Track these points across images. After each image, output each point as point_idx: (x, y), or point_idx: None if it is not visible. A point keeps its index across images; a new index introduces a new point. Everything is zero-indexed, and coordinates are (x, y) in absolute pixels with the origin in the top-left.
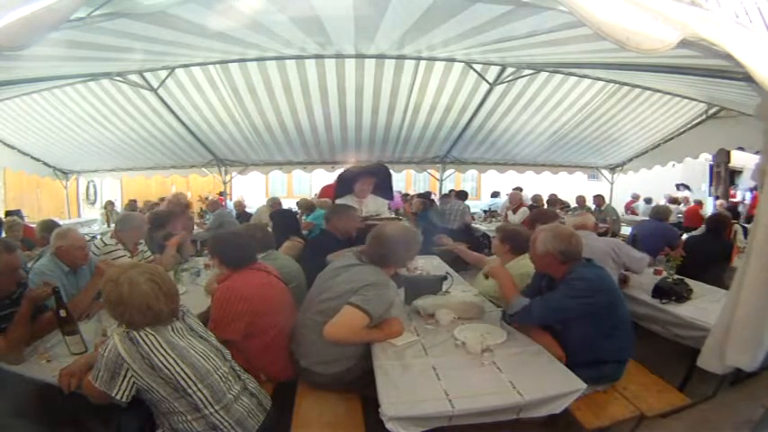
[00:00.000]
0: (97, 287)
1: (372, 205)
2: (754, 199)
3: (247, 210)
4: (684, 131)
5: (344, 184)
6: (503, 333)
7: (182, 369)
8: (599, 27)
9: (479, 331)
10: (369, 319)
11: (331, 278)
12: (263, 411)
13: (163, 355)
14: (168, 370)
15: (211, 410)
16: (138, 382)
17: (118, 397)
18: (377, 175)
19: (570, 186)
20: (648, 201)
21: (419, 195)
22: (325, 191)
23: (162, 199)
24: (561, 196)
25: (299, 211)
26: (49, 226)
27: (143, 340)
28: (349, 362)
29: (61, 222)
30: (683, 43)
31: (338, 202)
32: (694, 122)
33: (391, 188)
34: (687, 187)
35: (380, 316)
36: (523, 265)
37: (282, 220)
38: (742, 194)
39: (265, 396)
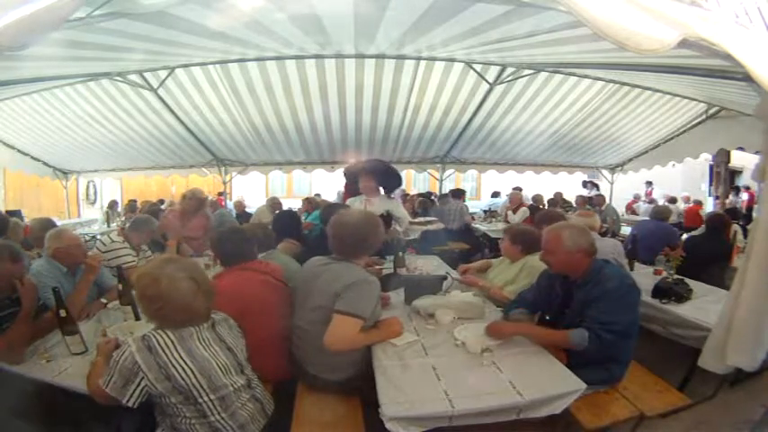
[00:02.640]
0: (90, 283)
1: (380, 204)
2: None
3: (247, 210)
4: (684, 131)
5: (351, 184)
6: None
7: (197, 381)
8: (599, 27)
9: (479, 331)
10: (362, 321)
11: (312, 280)
12: (264, 416)
13: (181, 366)
14: (184, 380)
15: (217, 417)
16: (151, 390)
17: (129, 404)
18: (373, 173)
19: (570, 186)
20: (651, 201)
21: (419, 195)
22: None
23: (161, 200)
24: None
25: (300, 210)
26: (46, 225)
27: (162, 349)
28: (355, 366)
29: (60, 222)
30: (683, 43)
31: (348, 202)
32: (694, 122)
33: (396, 177)
34: (595, 186)
35: (373, 313)
36: (537, 260)
37: (283, 221)
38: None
39: (269, 401)
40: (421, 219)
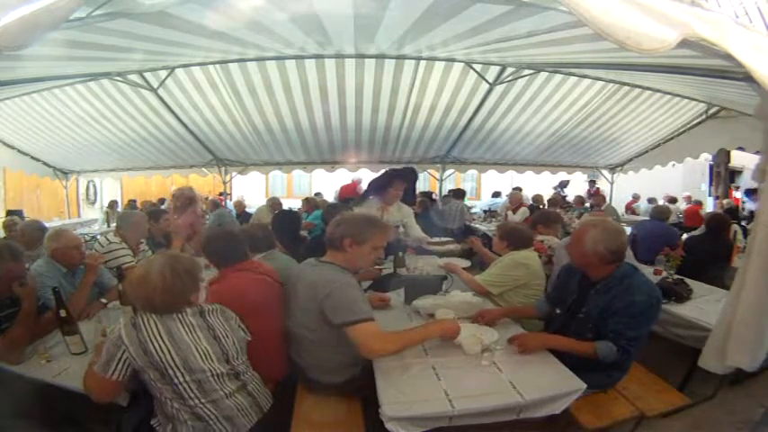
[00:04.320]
0: (91, 284)
1: (397, 214)
2: None
3: (247, 210)
4: (684, 131)
5: (374, 189)
6: (494, 332)
7: (172, 359)
8: (599, 26)
9: (471, 331)
10: (373, 321)
11: (298, 282)
12: (258, 411)
13: (158, 343)
14: (159, 356)
15: (196, 402)
16: (133, 364)
17: (113, 378)
18: (408, 183)
19: (570, 186)
20: (652, 201)
21: (420, 194)
22: (344, 190)
23: (161, 200)
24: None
25: (300, 209)
26: (37, 228)
27: (144, 327)
28: (353, 369)
29: (60, 222)
30: (684, 43)
31: (359, 207)
32: (694, 122)
33: (414, 191)
34: (563, 186)
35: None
36: (523, 256)
37: (282, 221)
38: (741, 195)
39: (265, 397)
40: (437, 239)
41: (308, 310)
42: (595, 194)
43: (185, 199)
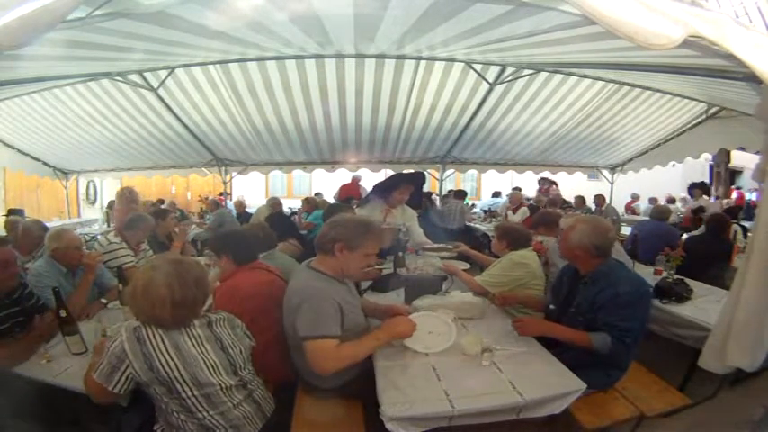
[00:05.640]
0: (90, 283)
1: (400, 217)
2: None
3: (247, 210)
4: (684, 131)
5: (379, 190)
6: (448, 320)
7: (180, 374)
8: (607, 24)
9: (429, 327)
10: (332, 338)
11: (289, 290)
12: (262, 418)
13: (165, 358)
14: (166, 372)
15: (205, 415)
16: (137, 378)
17: (115, 391)
18: (415, 183)
19: (570, 186)
20: (653, 201)
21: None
22: (344, 190)
23: (161, 200)
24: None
25: (300, 209)
26: (39, 227)
27: (150, 341)
28: (349, 372)
29: (60, 222)
30: (685, 43)
31: (361, 208)
32: (694, 122)
33: (420, 195)
34: (553, 183)
35: (340, 322)
36: (522, 255)
37: (283, 222)
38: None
39: (269, 402)
40: (435, 245)
41: (291, 313)
42: (545, 192)
43: (125, 199)
